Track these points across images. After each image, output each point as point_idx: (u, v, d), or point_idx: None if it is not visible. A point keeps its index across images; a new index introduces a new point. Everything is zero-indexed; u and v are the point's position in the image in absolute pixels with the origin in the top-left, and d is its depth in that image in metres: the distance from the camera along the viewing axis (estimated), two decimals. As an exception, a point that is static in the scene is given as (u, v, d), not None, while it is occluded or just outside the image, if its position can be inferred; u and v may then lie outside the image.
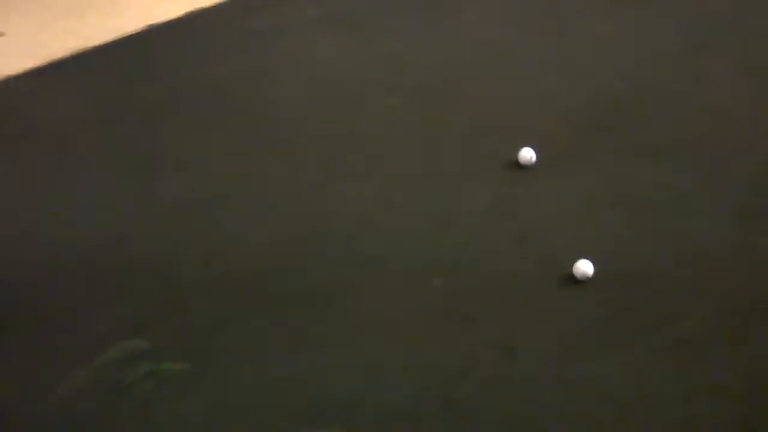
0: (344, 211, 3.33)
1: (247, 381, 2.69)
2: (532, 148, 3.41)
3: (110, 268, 3.17)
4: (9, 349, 2.86)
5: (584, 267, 2.90)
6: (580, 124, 3.70)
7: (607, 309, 2.77)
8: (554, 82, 4.02)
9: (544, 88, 3.98)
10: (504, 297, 2.87)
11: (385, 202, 3.37)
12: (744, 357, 2.55)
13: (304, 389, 2.63)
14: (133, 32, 4.59)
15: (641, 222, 3.11)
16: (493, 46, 4.34)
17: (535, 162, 3.34)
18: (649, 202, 3.21)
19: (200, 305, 2.98)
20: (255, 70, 4.22)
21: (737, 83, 3.91)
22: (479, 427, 2.44)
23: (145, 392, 2.67)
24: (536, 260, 3.00)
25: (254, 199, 3.46)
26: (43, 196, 3.54)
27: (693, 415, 2.36)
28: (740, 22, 4.45)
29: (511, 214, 3.25)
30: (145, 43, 4.52)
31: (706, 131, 3.58)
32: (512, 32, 4.47)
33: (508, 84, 4.04)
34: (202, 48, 4.47)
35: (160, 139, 3.82)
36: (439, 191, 3.42)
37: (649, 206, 3.19)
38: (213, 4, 4.78)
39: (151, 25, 4.63)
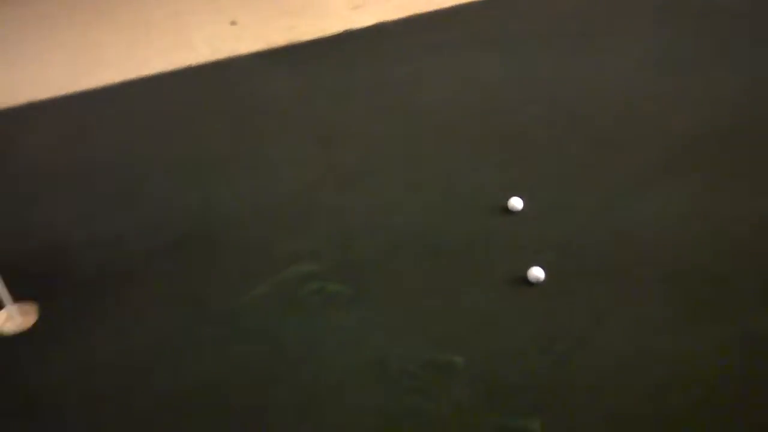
0: (483, 194, 3.37)
1: (395, 306, 2.85)
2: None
3: (298, 211, 3.37)
4: (223, 261, 3.12)
5: (536, 273, 2.86)
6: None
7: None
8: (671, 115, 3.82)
9: (665, 120, 3.76)
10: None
11: (525, 187, 3.35)
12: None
13: (444, 321, 2.77)
14: (335, 33, 4.68)
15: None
16: (626, 77, 4.18)
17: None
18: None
19: (363, 245, 3.16)
20: (424, 74, 4.23)
21: None
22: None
23: (312, 304, 2.90)
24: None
25: (406, 171, 3.53)
26: (261, 154, 3.70)
27: None
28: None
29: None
30: (343, 43, 4.60)
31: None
32: (647, 70, 4.26)
33: (630, 109, 3.89)
34: (385, 52, 4.50)
35: (344, 118, 3.92)
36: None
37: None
38: (397, 18, 4.82)
39: (348, 29, 4.73)
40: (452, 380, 2.54)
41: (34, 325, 2.85)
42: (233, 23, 4.79)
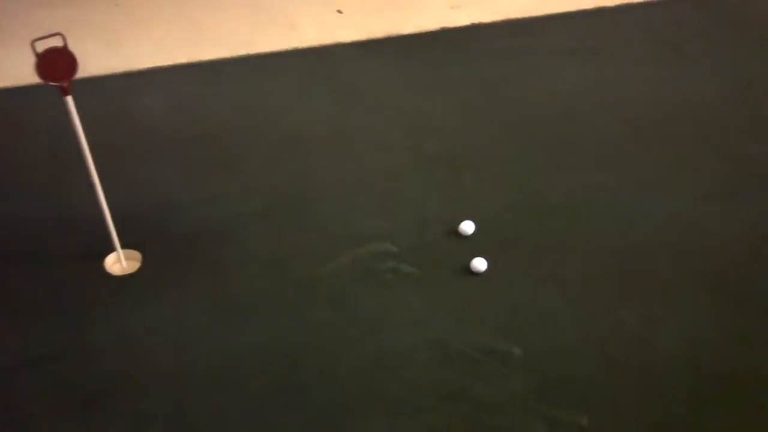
0: (558, 194, 3.40)
1: (463, 294, 2.89)
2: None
3: (381, 193, 3.44)
4: (307, 231, 3.22)
5: (478, 264, 2.89)
6: None
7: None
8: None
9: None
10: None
11: (601, 190, 3.40)
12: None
13: (508, 313, 2.79)
14: (432, 30, 4.70)
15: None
16: (711, 97, 4.08)
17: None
18: None
19: (437, 231, 3.20)
20: (512, 76, 4.24)
21: None
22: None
23: (385, 280, 2.98)
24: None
25: (486, 167, 3.56)
26: (351, 137, 3.79)
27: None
28: None
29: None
30: (438, 40, 4.61)
31: None
32: (739, 89, 4.16)
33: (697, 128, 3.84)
34: (477, 52, 4.50)
35: (431, 111, 3.96)
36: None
37: None
38: (492, 21, 4.81)
39: (444, 27, 4.74)
40: (508, 369, 2.58)
41: (137, 271, 2.99)
42: (339, 12, 4.84)
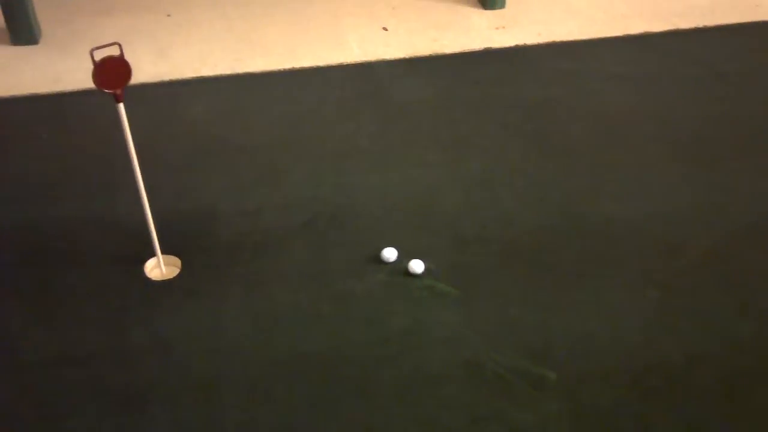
0: (600, 217, 3.39)
1: (499, 315, 2.87)
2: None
3: (420, 210, 3.42)
4: (346, 245, 3.24)
5: (414, 266, 2.90)
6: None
7: None
8: None
9: None
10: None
11: (632, 209, 3.38)
12: None
13: (544, 336, 2.77)
14: (475, 50, 4.69)
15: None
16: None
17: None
18: None
19: (475, 251, 3.19)
20: (554, 99, 4.21)
21: None
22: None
23: (421, 297, 2.97)
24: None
25: (525, 187, 3.53)
26: (393, 153, 3.78)
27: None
28: None
29: None
30: (482, 60, 4.61)
31: None
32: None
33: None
34: (520, 73, 4.49)
35: (472, 130, 3.95)
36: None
37: None
38: (536, 43, 4.78)
39: (488, 48, 4.73)
40: (543, 393, 2.55)
41: (176, 277, 3.02)
42: (385, 29, 4.86)
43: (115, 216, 3.31)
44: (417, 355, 2.71)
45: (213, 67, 4.48)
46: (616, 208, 3.43)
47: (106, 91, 2.51)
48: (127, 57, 2.52)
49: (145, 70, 4.37)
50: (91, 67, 2.47)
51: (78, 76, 4.33)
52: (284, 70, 4.47)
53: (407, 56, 4.62)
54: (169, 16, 5.08)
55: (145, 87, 4.22)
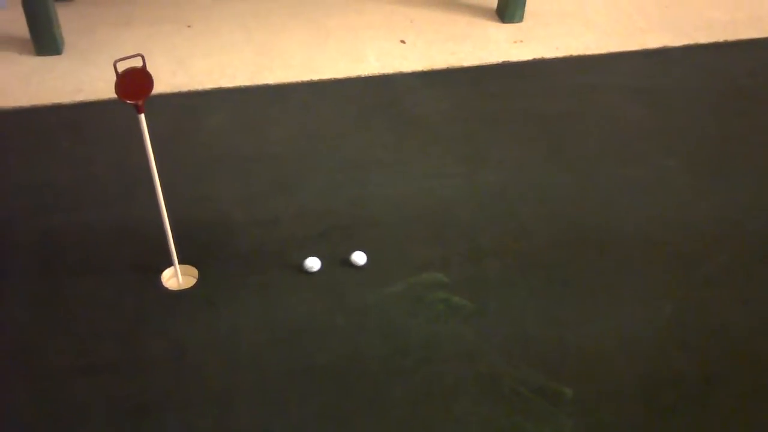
0: (615, 230, 3.36)
1: (515, 329, 2.85)
2: None
3: (436, 221, 3.42)
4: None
5: (356, 258, 2.94)
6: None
7: None
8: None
9: None
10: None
11: (650, 225, 3.36)
12: None
13: (560, 351, 2.74)
14: (493, 63, 4.69)
15: None
16: None
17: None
18: None
19: (491, 264, 3.17)
20: (571, 112, 4.21)
21: None
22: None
23: (435, 310, 2.95)
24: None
25: (541, 201, 3.52)
26: (409, 164, 3.75)
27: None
28: None
29: None
30: (499, 73, 4.60)
31: None
32: None
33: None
34: (538, 86, 4.48)
35: (489, 142, 3.95)
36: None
37: None
38: (554, 57, 4.78)
39: (505, 61, 4.73)
40: (559, 409, 2.52)
41: (193, 287, 3.02)
42: (402, 42, 4.87)
43: (132, 225, 3.32)
44: (431, 369, 2.69)
45: (232, 78, 4.51)
46: (632, 222, 3.42)
47: (128, 102, 2.53)
48: (147, 67, 2.53)
49: (164, 81, 4.40)
50: (113, 77, 2.48)
51: (99, 86, 4.37)
52: (303, 81, 4.48)
53: (425, 69, 4.62)
54: (189, 27, 5.12)
55: (164, 97, 4.25)
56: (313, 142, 3.95)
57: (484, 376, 2.65)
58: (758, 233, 3.35)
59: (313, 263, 3.10)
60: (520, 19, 5.21)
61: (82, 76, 4.49)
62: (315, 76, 4.54)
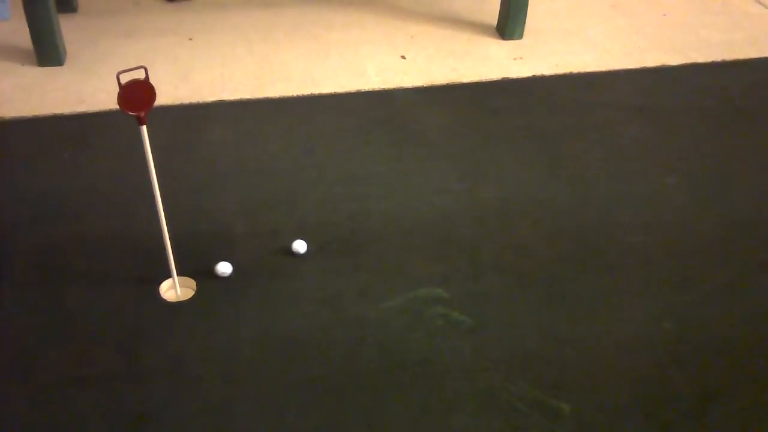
0: (610, 247, 3.34)
1: (514, 345, 2.84)
2: None
3: (435, 236, 3.42)
4: (361, 271, 3.21)
5: (297, 246, 2.97)
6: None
7: None
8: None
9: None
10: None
11: (650, 243, 3.36)
12: None
13: (559, 368, 2.72)
14: (492, 79, 4.71)
15: None
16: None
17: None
18: None
19: (491, 281, 3.16)
20: (571, 129, 4.21)
21: None
22: None
23: (434, 326, 2.93)
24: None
25: (541, 219, 3.53)
26: (408, 179, 3.77)
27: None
28: None
29: None
30: (499, 89, 4.61)
31: None
32: None
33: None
34: (538, 103, 4.50)
35: (488, 158, 3.94)
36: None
37: None
38: (552, 75, 4.81)
39: (505, 77, 4.75)
40: (556, 425, 2.51)
41: (191, 299, 3.01)
42: (403, 57, 4.89)
43: (132, 236, 3.32)
44: (430, 383, 2.68)
45: (233, 91, 4.52)
46: (631, 239, 3.41)
47: (130, 113, 2.53)
48: (150, 79, 2.54)
49: (166, 93, 4.42)
50: (115, 88, 2.49)
51: (101, 98, 4.38)
52: (303, 95, 4.50)
53: (425, 84, 4.64)
54: (191, 39, 5.14)
55: (165, 109, 4.26)
56: (313, 155, 3.96)
57: (483, 392, 2.64)
58: (758, 251, 3.34)
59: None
60: (520, 36, 5.24)
61: (84, 87, 4.50)
62: (316, 90, 4.56)
